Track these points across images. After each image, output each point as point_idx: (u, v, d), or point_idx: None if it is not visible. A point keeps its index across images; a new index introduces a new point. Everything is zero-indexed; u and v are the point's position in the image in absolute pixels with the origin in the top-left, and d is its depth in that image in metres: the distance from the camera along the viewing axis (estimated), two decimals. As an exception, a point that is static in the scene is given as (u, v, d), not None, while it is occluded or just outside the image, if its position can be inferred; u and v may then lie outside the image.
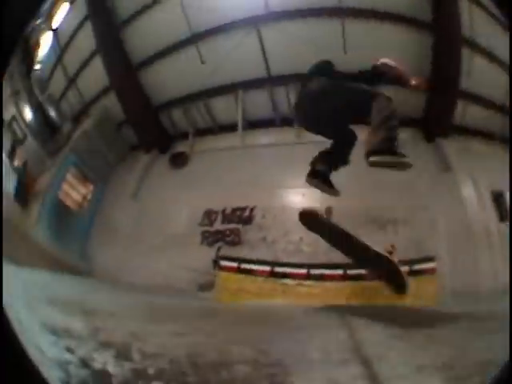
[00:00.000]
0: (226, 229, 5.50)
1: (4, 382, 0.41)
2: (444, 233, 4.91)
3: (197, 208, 5.94)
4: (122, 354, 1.29)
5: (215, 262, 5.38)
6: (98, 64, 8.68)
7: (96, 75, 8.99)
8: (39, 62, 10.78)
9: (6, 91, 13.06)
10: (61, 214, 7.77)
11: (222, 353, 1.60)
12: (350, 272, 4.89)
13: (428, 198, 5.36)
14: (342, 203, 5.39)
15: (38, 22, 10.10)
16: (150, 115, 7.59)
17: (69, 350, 1.21)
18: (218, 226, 5.59)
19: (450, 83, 5.33)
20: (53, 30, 9.86)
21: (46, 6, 10.14)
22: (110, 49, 7.58)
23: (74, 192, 8.51)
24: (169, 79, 7.22)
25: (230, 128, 6.56)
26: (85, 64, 9.33)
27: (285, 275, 4.95)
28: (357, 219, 5.06)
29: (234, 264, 5.21)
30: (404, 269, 4.47)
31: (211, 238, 5.56)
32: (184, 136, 7.42)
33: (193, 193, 6.13)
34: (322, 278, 5.00)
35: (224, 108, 6.98)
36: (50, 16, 10.58)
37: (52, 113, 10.93)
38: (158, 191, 6.94)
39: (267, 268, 5.18)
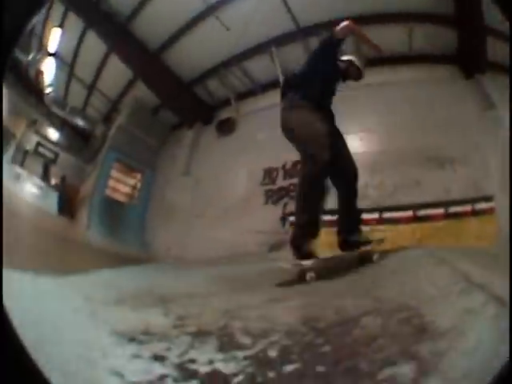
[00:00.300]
0: (290, 184, 5.29)
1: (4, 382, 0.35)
2: (495, 172, 4.68)
3: (255, 169, 5.86)
4: (226, 343, 1.01)
5: (283, 220, 5.22)
6: (114, 63, 8.70)
7: (115, 73, 9.11)
8: (49, 86, 11.35)
9: (19, 127, 13.60)
10: (112, 210, 7.82)
11: (339, 309, 1.34)
12: (419, 213, 4.72)
13: (478, 136, 5.10)
14: (398, 143, 5.16)
15: (31, 56, 10.55)
16: (184, 92, 7.55)
17: (158, 357, 0.89)
18: (281, 182, 5.47)
19: (477, 17, 5.03)
20: (52, 54, 10.35)
21: (34, 42, 10.38)
22: (124, 44, 7.52)
23: (121, 185, 8.65)
24: (195, 54, 7.08)
25: (272, 85, 6.33)
26: (100, 68, 9.53)
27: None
28: (415, 158, 4.97)
29: None
30: (466, 208, 4.48)
31: (275, 196, 5.46)
32: (225, 103, 7.38)
33: (247, 155, 6.08)
34: (394, 221, 4.83)
35: (261, 68, 6.80)
36: (42, 45, 10.70)
37: (80, 122, 11.21)
38: (211, 162, 6.88)
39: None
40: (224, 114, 7.23)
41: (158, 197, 8.07)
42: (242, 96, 7.07)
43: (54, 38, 9.58)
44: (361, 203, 5.21)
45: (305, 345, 0.97)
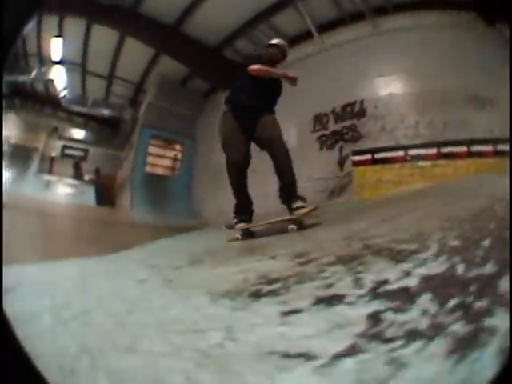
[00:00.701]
0: (342, 127, 5.34)
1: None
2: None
3: (304, 117, 5.72)
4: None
5: (341, 163, 5.19)
6: (128, 48, 8.67)
7: (132, 57, 9.11)
8: (63, 90, 11.62)
9: (39, 140, 13.93)
10: (155, 186, 7.85)
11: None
12: (473, 148, 4.67)
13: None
14: (440, 84, 5.05)
15: (34, 73, 11.13)
16: (214, 58, 7.42)
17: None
18: (333, 126, 5.43)
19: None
20: (58, 62, 10.50)
21: (31, 60, 10.80)
22: (138, 26, 7.48)
23: (161, 160, 8.75)
24: (217, 18, 6.92)
25: (305, 36, 6.28)
26: (115, 57, 9.51)
27: (420, 157, 4.84)
28: (459, 99, 4.91)
29: (368, 156, 5.00)
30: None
31: (330, 141, 5.42)
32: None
33: (293, 105, 5.73)
34: (452, 155, 4.76)
35: (289, 20, 6.54)
36: (42, 59, 10.96)
37: (105, 112, 11.29)
38: None
39: (401, 153, 4.97)
40: None
41: (202, 165, 8.11)
42: None
43: (56, 47, 9.73)
44: (415, 141, 5.16)
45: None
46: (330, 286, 0.86)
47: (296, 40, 6.41)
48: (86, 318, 0.89)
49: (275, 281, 1.06)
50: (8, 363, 0.40)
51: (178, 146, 9.26)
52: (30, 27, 9.45)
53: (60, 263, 1.59)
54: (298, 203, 2.74)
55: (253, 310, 0.83)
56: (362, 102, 5.30)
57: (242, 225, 2.92)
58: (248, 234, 2.90)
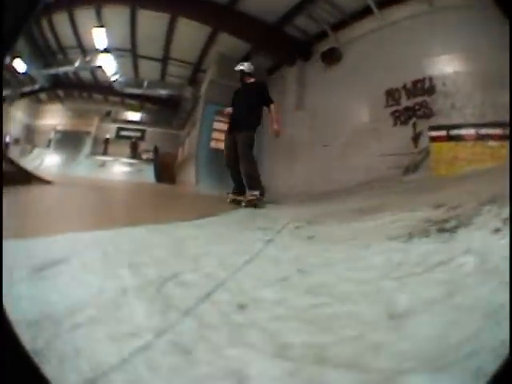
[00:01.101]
0: (415, 103, 5.40)
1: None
2: None
3: (376, 92, 5.87)
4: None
5: (415, 140, 5.29)
6: (182, 30, 9.08)
7: (187, 39, 9.49)
8: (114, 75, 12.17)
9: (91, 125, 14.88)
10: (220, 161, 8.18)
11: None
12: None
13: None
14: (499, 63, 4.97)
15: (78, 63, 11.81)
16: (273, 34, 7.65)
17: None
18: (406, 102, 5.51)
19: None
20: (104, 50, 11.08)
21: (70, 53, 11.59)
22: (193, 8, 7.79)
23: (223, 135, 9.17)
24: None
25: (365, 12, 6.35)
26: (168, 39, 9.88)
27: (489, 137, 4.85)
28: (487, 83, 4.93)
29: (443, 132, 4.98)
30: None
31: (403, 116, 5.52)
32: (320, 36, 7.43)
33: (363, 80, 6.06)
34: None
35: None
36: (84, 50, 11.78)
37: (162, 93, 12.00)
38: (324, 93, 6.96)
39: (473, 131, 5.02)
40: (324, 46, 7.27)
41: (271, 138, 8.41)
42: (338, 26, 7.02)
43: (99, 37, 10.23)
44: (481, 120, 5.06)
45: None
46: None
47: (356, 16, 6.56)
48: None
49: (445, 221, 1.18)
50: (8, 363, 0.38)
51: None
52: (61, 22, 10.18)
53: (129, 230, 1.43)
54: (251, 192, 3.68)
55: (467, 236, 0.94)
56: (430, 78, 5.36)
57: (231, 195, 4.01)
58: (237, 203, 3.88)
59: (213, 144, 8.71)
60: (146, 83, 12.55)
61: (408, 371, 0.40)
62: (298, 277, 0.65)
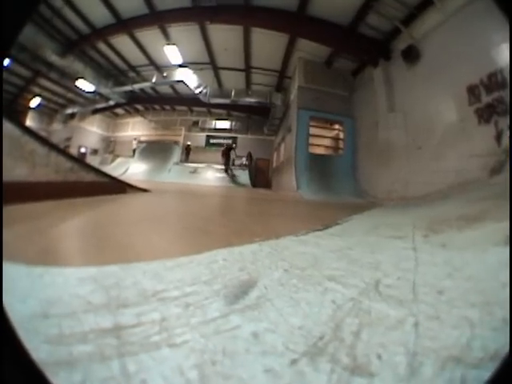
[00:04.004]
0: (493, 99, 5.82)
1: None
2: None
3: (458, 89, 6.53)
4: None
5: (498, 138, 5.60)
6: (258, 37, 11.38)
7: (267, 43, 11.73)
8: (197, 88, 15.30)
9: (179, 135, 20.70)
10: (318, 166, 10.03)
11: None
12: None
13: None
14: None
15: (154, 79, 15.13)
16: (348, 35, 9.48)
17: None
18: (485, 98, 5.99)
19: None
20: (181, 66, 13.91)
21: (143, 70, 15.46)
22: (263, 18, 9.74)
23: (321, 140, 10.91)
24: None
25: (427, 3, 7.41)
26: (247, 47, 12.25)
27: None
28: None
29: None
30: None
31: (485, 114, 5.95)
32: (395, 34, 8.82)
33: (444, 78, 6.99)
34: None
35: None
36: (158, 67, 15.15)
37: (251, 100, 14.85)
38: (411, 92, 8.18)
39: None
40: (401, 44, 8.46)
41: (365, 143, 10.10)
42: (407, 22, 8.23)
43: (172, 54, 12.93)
44: None
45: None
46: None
47: (420, 7, 7.73)
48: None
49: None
50: (8, 362, 0.46)
51: (337, 126, 11.63)
52: (122, 43, 13.43)
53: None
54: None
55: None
56: (501, 71, 5.66)
57: None
58: None
59: (310, 149, 10.51)
60: (233, 92, 15.16)
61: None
62: (456, 273, 0.97)
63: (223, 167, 16.62)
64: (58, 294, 0.84)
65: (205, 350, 0.61)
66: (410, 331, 0.67)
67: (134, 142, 21.87)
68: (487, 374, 0.49)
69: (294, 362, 0.58)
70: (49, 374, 0.51)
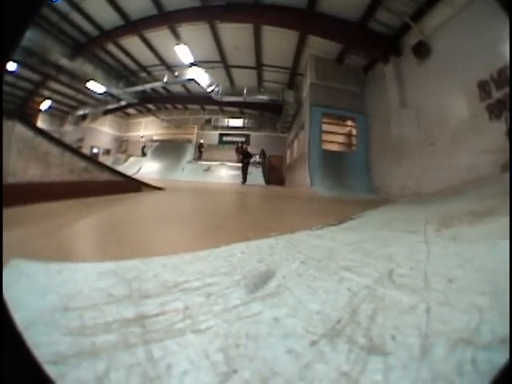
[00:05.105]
0: (504, 94, 5.82)
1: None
2: None
3: (469, 85, 6.53)
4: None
5: (510, 134, 5.55)
6: (269, 34, 11.43)
7: (276, 45, 11.94)
8: (209, 86, 15.25)
9: (191, 133, 21.03)
10: (332, 162, 10.01)
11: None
12: None
13: None
14: None
15: (166, 78, 15.38)
16: (358, 31, 9.43)
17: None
18: (496, 94, 5.99)
19: None
20: (192, 64, 14.02)
21: (155, 70, 15.73)
22: (273, 16, 9.79)
23: (333, 137, 10.84)
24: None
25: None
26: (258, 47, 12.38)
27: None
28: None
29: None
30: None
31: (496, 110, 5.96)
32: (405, 30, 8.83)
33: (455, 73, 6.97)
34: None
35: None
36: (170, 66, 15.26)
37: (264, 97, 14.99)
38: (423, 88, 8.18)
39: None
40: (411, 40, 8.46)
41: (378, 139, 10.09)
42: (416, 18, 8.24)
43: (183, 53, 13.00)
44: None
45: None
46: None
47: (429, 3, 7.72)
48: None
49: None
50: (7, 360, 0.39)
51: (350, 122, 11.68)
52: (132, 44, 13.62)
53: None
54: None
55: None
56: (511, 66, 5.54)
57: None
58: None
59: (324, 146, 10.56)
60: (245, 90, 15.28)
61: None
62: (467, 264, 0.99)
63: (237, 165, 16.58)
64: (79, 288, 0.85)
65: (228, 335, 0.64)
66: (421, 315, 0.70)
67: (143, 141, 22.19)
68: (497, 355, 0.52)
69: (313, 343, 0.61)
70: (68, 366, 0.53)
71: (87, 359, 0.55)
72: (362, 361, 0.54)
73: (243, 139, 19.64)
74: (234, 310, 0.75)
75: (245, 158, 14.50)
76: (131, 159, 21.00)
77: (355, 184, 9.58)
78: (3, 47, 0.65)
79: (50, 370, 0.50)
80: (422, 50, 7.94)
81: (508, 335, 0.56)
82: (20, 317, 0.56)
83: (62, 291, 0.83)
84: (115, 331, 0.64)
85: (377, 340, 0.61)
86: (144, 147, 21.17)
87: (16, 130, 2.61)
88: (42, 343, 0.57)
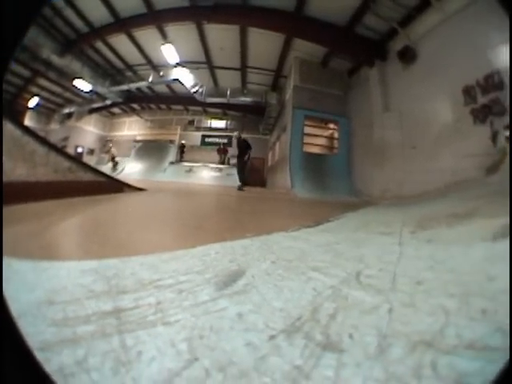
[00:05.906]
0: (489, 100, 5.92)
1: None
2: None
3: (454, 90, 6.64)
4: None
5: (493, 139, 5.70)
6: (255, 36, 11.44)
7: (262, 47, 12.01)
8: (193, 87, 15.10)
9: (175, 134, 20.47)
10: (313, 165, 10.04)
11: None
12: None
13: None
14: None
15: (151, 79, 15.28)
16: (347, 36, 9.48)
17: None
18: (481, 99, 6.10)
19: None
20: (177, 64, 13.94)
21: (138, 69, 15.39)
22: (261, 17, 9.79)
23: (316, 139, 10.98)
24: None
25: (425, 4, 7.52)
26: (243, 49, 12.41)
27: None
28: None
29: None
30: None
31: (481, 115, 6.07)
32: (392, 35, 8.87)
33: (440, 79, 7.05)
34: None
35: None
36: (155, 66, 15.15)
37: (247, 99, 14.96)
38: (406, 92, 8.30)
39: None
40: (397, 45, 8.55)
41: (360, 142, 10.12)
42: (404, 23, 8.30)
43: (169, 53, 12.96)
44: None
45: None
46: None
47: (418, 9, 7.76)
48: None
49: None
50: (8, 359, 0.46)
51: (332, 125, 11.71)
52: (120, 43, 13.49)
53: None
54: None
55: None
56: (498, 72, 5.74)
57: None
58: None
59: (305, 148, 10.60)
60: (228, 92, 15.27)
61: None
62: (438, 266, 0.98)
63: (219, 166, 16.80)
64: (63, 285, 0.92)
65: (194, 327, 0.68)
66: (383, 316, 0.69)
67: (131, 142, 21.66)
68: (462, 360, 0.50)
69: (272, 337, 0.63)
70: (52, 352, 0.58)
71: (69, 346, 0.61)
72: (316, 356, 0.56)
73: (225, 141, 19.72)
74: (202, 306, 0.79)
75: (242, 152, 10.65)
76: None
77: (336, 186, 9.60)
78: (4, 48, 0.65)
79: (38, 355, 0.54)
80: (407, 55, 8.08)
81: (476, 341, 0.56)
82: (12, 310, 0.59)
83: (48, 287, 0.90)
84: (94, 322, 0.70)
85: (334, 337, 0.62)
86: (114, 158, 19.53)
87: (6, 128, 2.61)
88: (31, 333, 0.61)
